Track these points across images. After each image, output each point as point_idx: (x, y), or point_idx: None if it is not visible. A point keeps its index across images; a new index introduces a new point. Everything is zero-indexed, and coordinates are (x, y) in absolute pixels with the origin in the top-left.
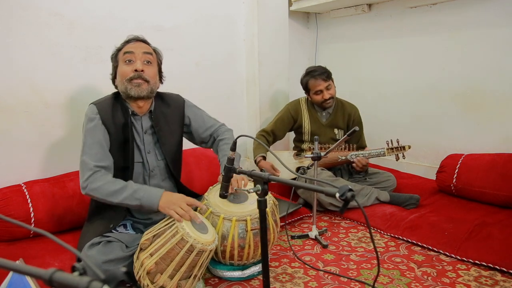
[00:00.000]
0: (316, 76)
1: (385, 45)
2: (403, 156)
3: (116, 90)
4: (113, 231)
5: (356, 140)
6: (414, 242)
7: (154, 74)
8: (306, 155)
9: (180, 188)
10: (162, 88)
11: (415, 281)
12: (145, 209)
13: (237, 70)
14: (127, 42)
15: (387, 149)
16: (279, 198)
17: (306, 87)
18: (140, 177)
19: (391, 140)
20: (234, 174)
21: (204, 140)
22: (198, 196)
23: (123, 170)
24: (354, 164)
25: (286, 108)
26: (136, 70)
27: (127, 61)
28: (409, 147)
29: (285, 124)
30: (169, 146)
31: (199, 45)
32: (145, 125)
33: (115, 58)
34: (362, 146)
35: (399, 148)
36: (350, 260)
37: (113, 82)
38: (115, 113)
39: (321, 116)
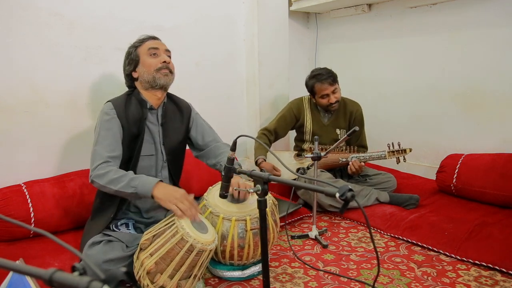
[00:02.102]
0: (322, 80)
1: (385, 45)
2: (404, 159)
3: (127, 90)
4: (115, 229)
5: (355, 139)
6: (414, 242)
7: (174, 67)
8: (306, 155)
9: None
10: None
11: (415, 281)
12: (142, 197)
13: (237, 70)
14: (144, 40)
15: (388, 152)
16: (279, 198)
17: (312, 90)
18: (153, 169)
19: (392, 143)
20: (237, 179)
21: (201, 147)
22: (195, 198)
23: (127, 162)
24: (348, 167)
25: (289, 106)
26: (164, 62)
27: (152, 55)
28: (410, 150)
29: (288, 123)
30: (170, 141)
31: (199, 45)
32: (160, 117)
33: (134, 53)
34: (362, 145)
35: (400, 151)
36: (350, 260)
37: (129, 76)
38: (130, 108)
39: (323, 116)
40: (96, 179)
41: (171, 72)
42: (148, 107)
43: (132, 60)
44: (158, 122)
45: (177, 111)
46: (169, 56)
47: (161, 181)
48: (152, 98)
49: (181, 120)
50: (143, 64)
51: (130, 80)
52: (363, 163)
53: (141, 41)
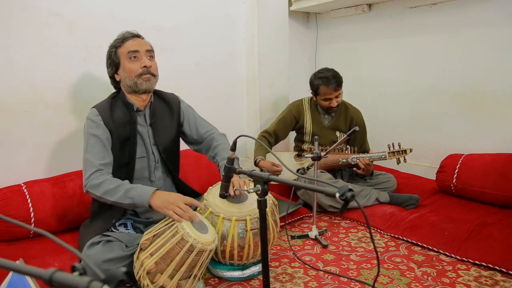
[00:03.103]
0: (328, 84)
1: (385, 45)
2: (404, 159)
3: (113, 91)
4: (113, 230)
5: (359, 145)
6: (414, 242)
7: (157, 68)
8: (306, 155)
9: (179, 185)
10: (162, 88)
11: (415, 281)
12: (139, 207)
13: (237, 70)
14: (124, 39)
15: (389, 152)
16: (279, 198)
17: (316, 91)
18: (146, 171)
19: (393, 144)
20: (237, 176)
21: (197, 141)
22: (198, 194)
23: (125, 166)
24: (356, 168)
25: (289, 109)
26: (145, 67)
27: (132, 58)
28: (411, 150)
29: (287, 124)
30: (163, 140)
31: (199, 45)
32: (148, 118)
33: (114, 55)
34: (365, 151)
35: (401, 152)
36: (350, 260)
37: (112, 78)
38: (116, 112)
39: (323, 118)
40: (91, 189)
41: (154, 75)
42: (134, 109)
43: (112, 62)
44: (146, 123)
45: (166, 108)
46: (152, 56)
47: (157, 189)
48: (138, 100)
49: (171, 117)
50: (123, 68)
51: (115, 82)
52: (371, 161)
53: (121, 41)
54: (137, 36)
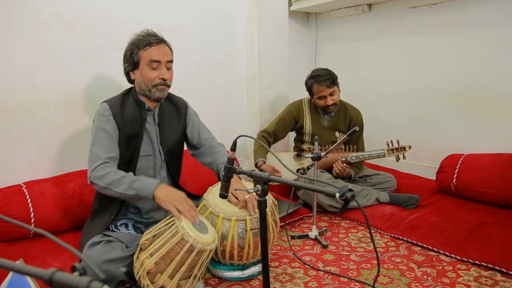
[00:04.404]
0: (320, 81)
1: (385, 45)
2: (404, 156)
3: (126, 88)
4: (114, 230)
5: (354, 143)
6: (414, 242)
7: (172, 78)
8: (306, 156)
9: (178, 189)
10: None
11: (415, 281)
12: (143, 199)
13: (237, 70)
14: (149, 43)
15: (387, 150)
16: (279, 198)
17: (310, 90)
18: (151, 170)
19: (391, 141)
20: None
21: (196, 146)
22: (195, 197)
23: (127, 163)
24: (333, 168)
25: (288, 109)
26: (163, 79)
27: (153, 67)
28: (410, 147)
29: (287, 125)
30: (168, 140)
31: (199, 45)
32: (156, 117)
33: (136, 55)
34: (359, 151)
35: (400, 149)
36: (350, 260)
37: (128, 74)
38: (127, 109)
39: (323, 118)
40: (96, 180)
41: (168, 86)
42: (146, 108)
43: (132, 61)
44: (155, 122)
45: (174, 109)
46: (171, 66)
47: (161, 183)
48: (148, 101)
49: (178, 119)
50: (141, 73)
51: (129, 77)
52: (346, 164)
53: (146, 44)
54: (162, 41)
